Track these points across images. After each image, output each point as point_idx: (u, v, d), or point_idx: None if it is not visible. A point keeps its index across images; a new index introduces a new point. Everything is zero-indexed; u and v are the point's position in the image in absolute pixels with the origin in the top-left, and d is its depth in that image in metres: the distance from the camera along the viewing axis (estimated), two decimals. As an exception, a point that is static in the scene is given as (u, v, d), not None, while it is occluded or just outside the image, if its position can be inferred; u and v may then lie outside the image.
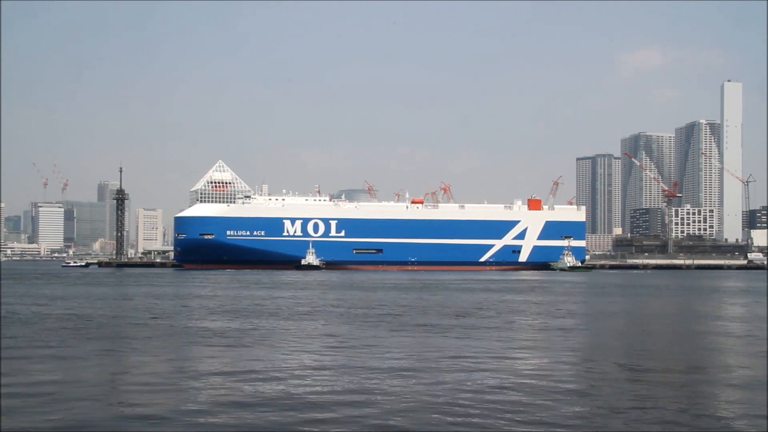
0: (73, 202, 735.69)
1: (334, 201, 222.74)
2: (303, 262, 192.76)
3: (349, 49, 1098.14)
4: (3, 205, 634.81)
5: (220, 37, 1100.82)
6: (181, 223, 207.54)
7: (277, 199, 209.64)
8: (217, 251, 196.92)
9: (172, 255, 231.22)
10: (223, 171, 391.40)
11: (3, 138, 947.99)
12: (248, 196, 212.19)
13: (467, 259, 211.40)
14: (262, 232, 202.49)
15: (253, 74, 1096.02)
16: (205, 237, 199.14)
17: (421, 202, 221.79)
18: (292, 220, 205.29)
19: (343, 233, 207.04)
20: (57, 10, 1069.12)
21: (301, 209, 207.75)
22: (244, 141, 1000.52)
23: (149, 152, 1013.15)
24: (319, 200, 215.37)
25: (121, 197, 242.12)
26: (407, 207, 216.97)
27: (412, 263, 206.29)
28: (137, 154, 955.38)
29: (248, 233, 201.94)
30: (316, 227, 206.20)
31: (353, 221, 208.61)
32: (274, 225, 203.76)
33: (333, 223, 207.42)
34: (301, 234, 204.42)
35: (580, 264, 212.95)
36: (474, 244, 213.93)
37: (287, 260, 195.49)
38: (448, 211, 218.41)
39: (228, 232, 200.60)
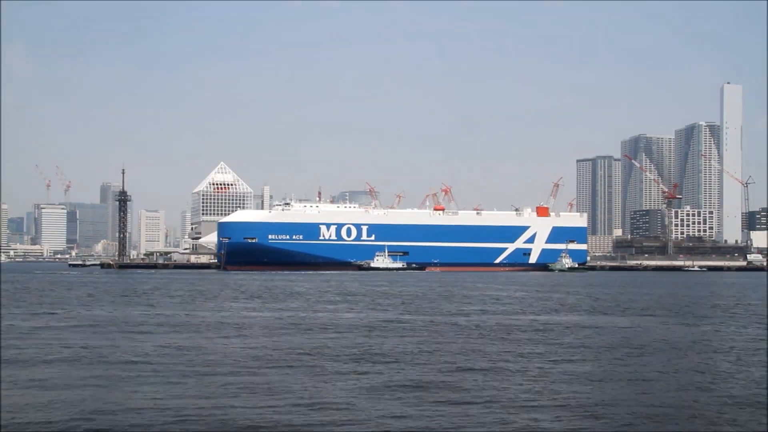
0: (75, 203, 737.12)
1: (364, 207, 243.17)
2: (372, 264, 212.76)
3: (350, 50, 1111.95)
4: (6, 206, 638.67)
5: (220, 37, 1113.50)
6: (225, 228, 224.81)
7: (311, 206, 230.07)
8: (259, 254, 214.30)
9: (215, 258, 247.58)
10: (225, 173, 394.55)
11: (5, 139, 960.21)
12: (287, 203, 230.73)
13: (484, 261, 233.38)
14: (301, 236, 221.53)
15: (254, 75, 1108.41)
16: (249, 240, 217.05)
17: (443, 209, 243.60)
18: (328, 225, 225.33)
19: (373, 237, 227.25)
20: (57, 10, 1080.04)
21: (335, 215, 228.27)
22: (246, 142, 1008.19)
23: (151, 154, 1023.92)
24: (350, 207, 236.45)
25: (123, 199, 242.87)
26: (430, 214, 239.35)
27: (435, 264, 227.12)
28: (139, 156, 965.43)
29: (288, 237, 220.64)
30: (349, 231, 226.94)
31: (383, 226, 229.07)
32: (312, 229, 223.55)
33: (364, 228, 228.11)
34: (336, 238, 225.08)
35: (576, 265, 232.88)
36: (490, 248, 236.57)
37: (324, 262, 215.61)
38: (466, 218, 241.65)
39: (270, 236, 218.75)
